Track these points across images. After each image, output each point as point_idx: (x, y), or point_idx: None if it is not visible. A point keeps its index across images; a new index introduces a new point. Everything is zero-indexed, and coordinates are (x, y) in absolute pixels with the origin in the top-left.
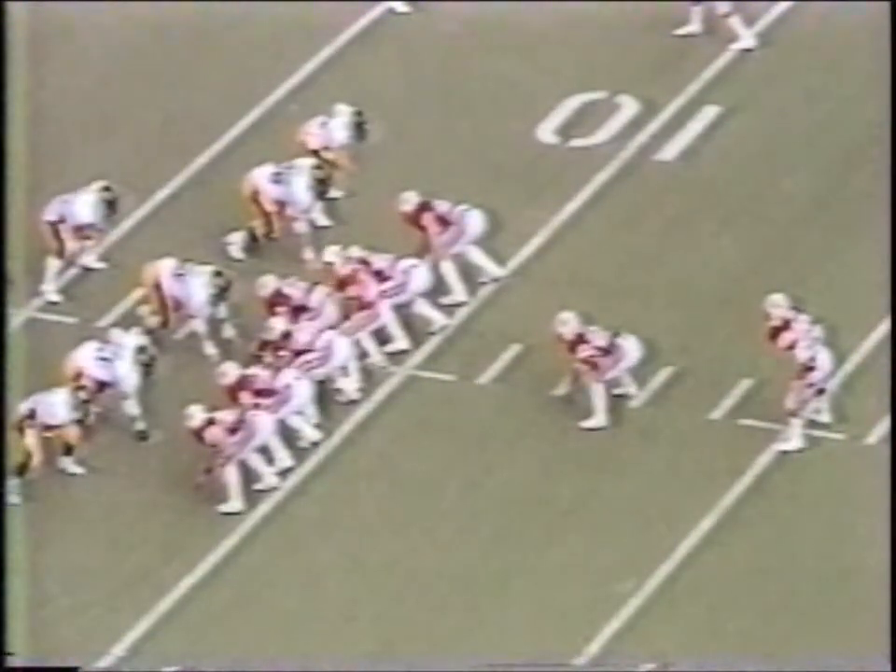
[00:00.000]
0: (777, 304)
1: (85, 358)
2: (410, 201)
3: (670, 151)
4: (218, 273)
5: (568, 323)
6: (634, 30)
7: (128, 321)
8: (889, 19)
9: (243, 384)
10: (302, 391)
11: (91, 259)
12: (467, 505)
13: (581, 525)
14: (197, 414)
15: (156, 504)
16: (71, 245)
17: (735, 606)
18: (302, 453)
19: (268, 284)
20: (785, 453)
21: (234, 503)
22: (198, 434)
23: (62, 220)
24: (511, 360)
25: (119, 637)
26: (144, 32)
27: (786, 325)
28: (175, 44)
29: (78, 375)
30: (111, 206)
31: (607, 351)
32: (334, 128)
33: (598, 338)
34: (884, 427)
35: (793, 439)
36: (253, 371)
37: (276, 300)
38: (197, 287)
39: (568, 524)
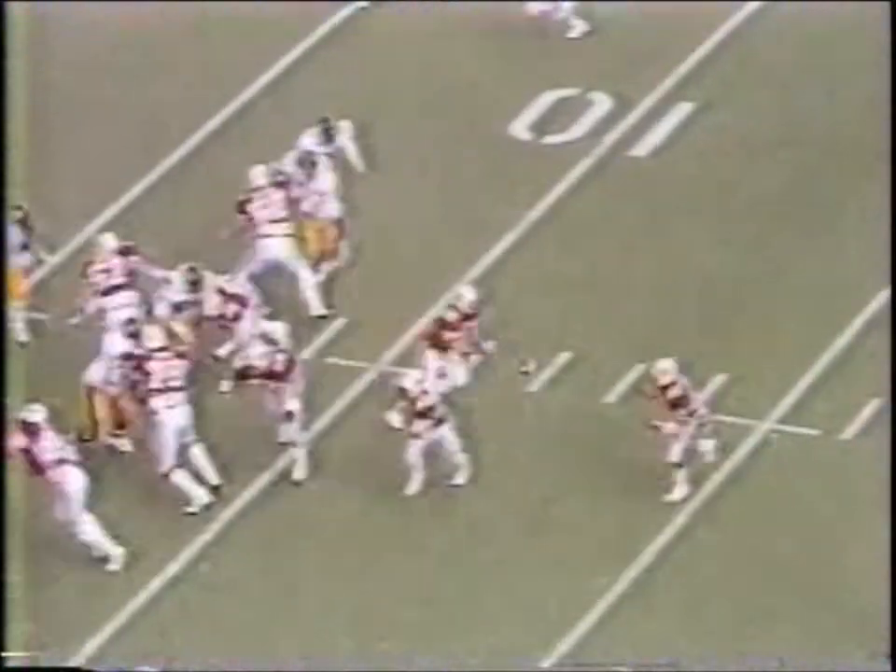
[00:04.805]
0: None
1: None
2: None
3: (644, 148)
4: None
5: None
6: (606, 26)
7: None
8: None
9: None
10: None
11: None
12: (437, 502)
13: (555, 521)
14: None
15: (128, 502)
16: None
17: (711, 603)
18: (279, 451)
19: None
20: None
21: (198, 500)
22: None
23: None
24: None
25: (90, 636)
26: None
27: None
28: (157, 42)
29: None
30: (25, 226)
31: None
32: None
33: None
34: (860, 422)
35: (678, 487)
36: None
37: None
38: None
39: (543, 519)
